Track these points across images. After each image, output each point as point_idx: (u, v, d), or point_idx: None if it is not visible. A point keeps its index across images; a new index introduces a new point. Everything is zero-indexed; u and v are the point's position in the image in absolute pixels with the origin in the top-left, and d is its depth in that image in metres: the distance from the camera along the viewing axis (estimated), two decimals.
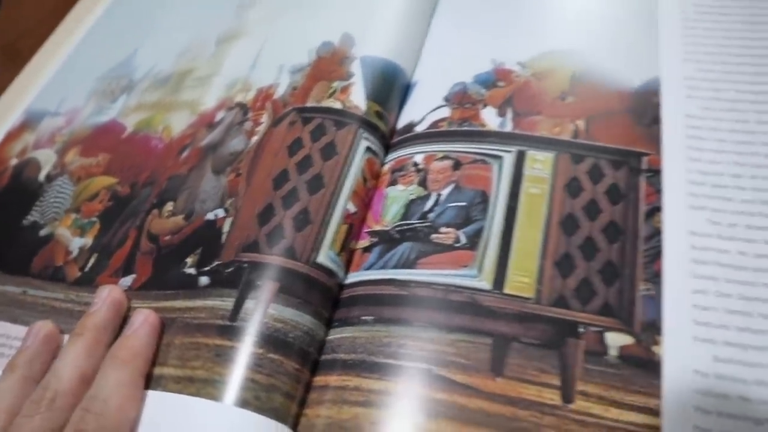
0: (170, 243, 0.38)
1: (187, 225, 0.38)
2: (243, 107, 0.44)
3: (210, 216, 0.38)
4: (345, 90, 0.41)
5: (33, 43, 0.60)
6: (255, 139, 0.41)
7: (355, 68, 0.42)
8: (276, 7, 0.52)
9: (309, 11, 0.49)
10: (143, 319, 0.33)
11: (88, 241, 0.41)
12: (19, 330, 0.37)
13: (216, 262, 0.35)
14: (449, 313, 0.31)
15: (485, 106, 0.39)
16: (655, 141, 0.36)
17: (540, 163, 0.35)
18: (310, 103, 0.41)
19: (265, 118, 0.42)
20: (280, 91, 0.43)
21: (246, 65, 0.47)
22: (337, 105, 0.40)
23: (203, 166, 0.41)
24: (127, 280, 0.37)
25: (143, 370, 0.31)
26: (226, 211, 0.38)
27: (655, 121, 0.36)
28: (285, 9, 0.51)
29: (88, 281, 0.38)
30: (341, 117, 0.39)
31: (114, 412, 0.29)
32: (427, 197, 0.36)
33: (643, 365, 0.29)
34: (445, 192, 0.35)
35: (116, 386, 0.29)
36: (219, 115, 0.44)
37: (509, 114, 0.38)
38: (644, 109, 0.37)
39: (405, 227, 0.35)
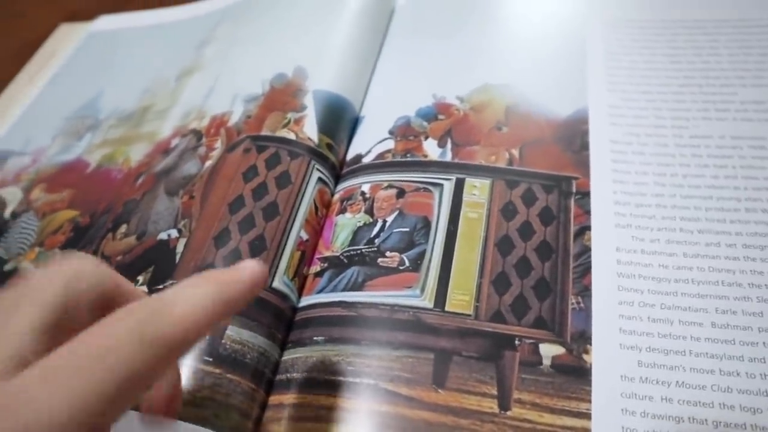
0: (122, 263, 0.39)
1: (138, 245, 0.40)
2: (197, 133, 0.46)
3: (163, 236, 0.39)
4: (299, 122, 0.43)
5: None
6: (209, 163, 0.43)
7: (308, 101, 0.44)
8: (231, 40, 0.54)
9: (262, 44, 0.52)
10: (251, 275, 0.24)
11: None
12: None
13: (170, 281, 0.36)
14: (394, 331, 0.33)
15: (427, 137, 0.42)
16: (584, 165, 0.39)
17: (477, 190, 0.38)
18: (264, 132, 0.43)
19: (219, 144, 0.44)
20: (234, 119, 0.45)
21: (201, 95, 0.50)
22: (291, 136, 0.42)
23: (156, 189, 0.43)
24: None
25: (221, 312, 0.22)
26: (180, 231, 0.39)
27: (584, 147, 0.40)
28: (240, 42, 0.53)
29: None
30: (295, 148, 0.42)
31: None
32: (373, 224, 0.38)
33: (574, 372, 0.31)
34: (390, 218, 0.38)
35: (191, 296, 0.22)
36: (174, 142, 0.46)
37: (449, 145, 0.41)
38: (573, 136, 0.40)
39: (353, 252, 0.37)
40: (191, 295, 0.21)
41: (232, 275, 0.23)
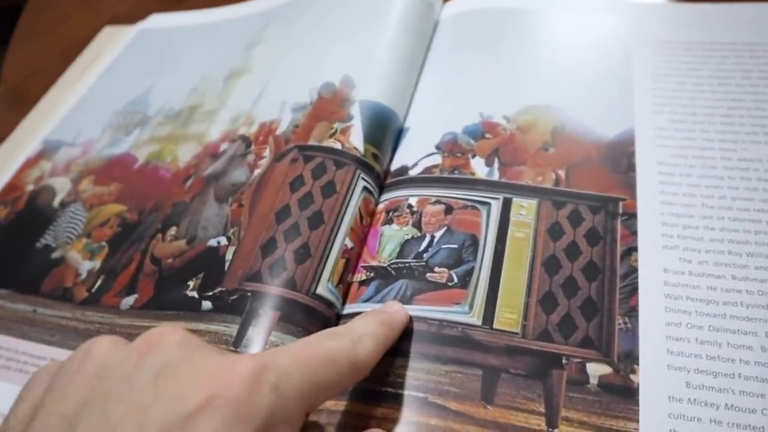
0: (172, 266, 0.41)
1: (189, 249, 0.41)
2: (246, 140, 0.47)
3: (212, 243, 0.41)
4: (345, 131, 0.44)
5: (40, 85, 0.63)
6: (258, 172, 0.44)
7: (355, 111, 0.45)
8: (280, 46, 0.55)
9: (311, 52, 0.53)
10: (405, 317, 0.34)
11: (96, 264, 0.43)
12: (28, 346, 0.40)
13: (219, 289, 0.37)
14: (443, 346, 0.34)
15: (474, 156, 0.42)
16: (630, 187, 0.39)
17: (524, 210, 0.39)
18: (311, 142, 0.44)
19: (267, 153, 0.45)
20: (282, 127, 0.46)
21: (250, 100, 0.51)
22: (337, 146, 0.43)
23: (206, 194, 0.44)
24: (130, 300, 0.40)
25: (384, 348, 0.31)
26: (229, 239, 0.40)
27: (631, 168, 0.40)
28: (288, 48, 0.54)
29: (94, 302, 0.41)
30: (341, 157, 0.42)
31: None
32: (421, 238, 0.39)
33: (622, 392, 0.31)
34: (438, 234, 0.38)
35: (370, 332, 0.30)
36: (223, 147, 0.48)
37: (496, 164, 0.42)
38: (620, 157, 0.40)
39: (401, 265, 0.37)
40: (375, 336, 0.29)
41: (396, 322, 0.33)
